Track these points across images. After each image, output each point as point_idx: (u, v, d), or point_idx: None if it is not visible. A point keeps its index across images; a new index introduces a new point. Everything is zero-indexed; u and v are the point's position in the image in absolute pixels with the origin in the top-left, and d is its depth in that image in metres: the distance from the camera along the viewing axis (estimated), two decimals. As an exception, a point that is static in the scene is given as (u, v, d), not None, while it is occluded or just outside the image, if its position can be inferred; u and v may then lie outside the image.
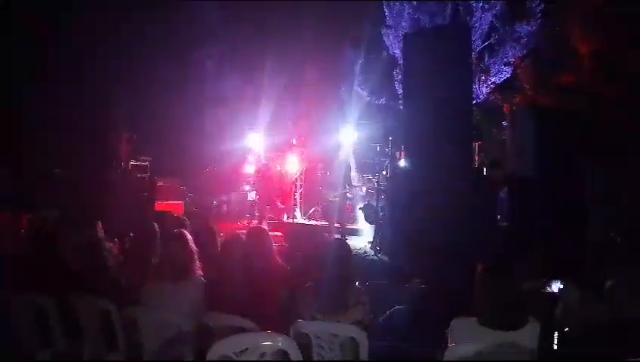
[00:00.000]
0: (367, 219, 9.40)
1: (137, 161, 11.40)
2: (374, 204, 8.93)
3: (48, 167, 11.31)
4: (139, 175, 11.49)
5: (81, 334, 3.15)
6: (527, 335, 2.47)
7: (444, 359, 2.42)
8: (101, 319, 3.09)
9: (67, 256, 3.87)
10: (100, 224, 4.73)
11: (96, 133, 10.15)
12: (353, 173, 9.87)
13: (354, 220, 10.33)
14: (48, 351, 3.19)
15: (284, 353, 2.41)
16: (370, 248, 8.16)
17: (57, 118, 12.37)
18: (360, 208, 10.00)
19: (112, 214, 9.46)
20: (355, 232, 9.75)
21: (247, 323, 2.68)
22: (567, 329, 2.90)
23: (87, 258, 3.41)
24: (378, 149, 10.44)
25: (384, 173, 9.37)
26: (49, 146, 12.45)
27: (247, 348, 2.26)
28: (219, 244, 4.02)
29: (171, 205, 10.60)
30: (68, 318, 3.18)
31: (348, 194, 9.53)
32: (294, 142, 13.63)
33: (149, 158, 11.75)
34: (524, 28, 12.66)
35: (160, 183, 11.05)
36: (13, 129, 12.32)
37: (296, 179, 12.89)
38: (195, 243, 3.49)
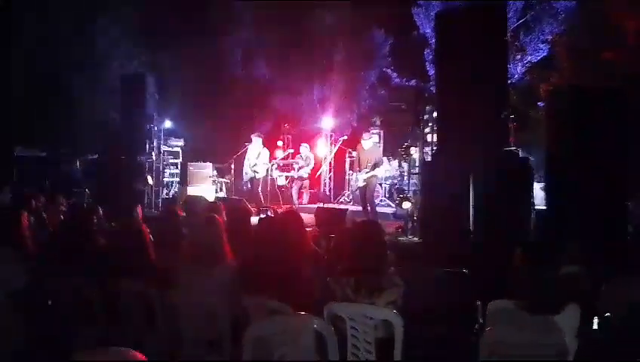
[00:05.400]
0: (397, 202, 9.32)
1: (169, 145, 11.54)
2: (405, 188, 8.85)
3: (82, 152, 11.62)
4: (170, 160, 11.65)
5: (121, 316, 3.23)
6: (567, 319, 2.41)
7: (482, 342, 2.39)
8: (140, 301, 3.15)
9: (104, 239, 3.98)
10: (139, 208, 4.82)
11: (129, 119, 10.32)
12: (382, 157, 9.72)
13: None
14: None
15: (319, 334, 2.42)
16: (401, 232, 8.09)
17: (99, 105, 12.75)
18: (390, 192, 9.93)
19: (142, 199, 9.71)
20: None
21: (281, 305, 2.69)
22: (607, 314, 2.83)
23: (127, 240, 3.47)
24: (409, 131, 10.30)
25: (415, 155, 9.23)
26: (82, 132, 12.82)
27: (283, 330, 2.27)
28: (252, 227, 4.05)
29: (203, 190, 10.71)
30: (108, 300, 3.25)
31: (377, 178, 9.41)
32: (321, 125, 13.59)
33: (180, 143, 11.87)
34: (561, 3, 12.21)
35: (191, 168, 11.16)
36: (48, 117, 12.75)
37: (323, 163, 12.88)
38: (227, 226, 3.52)
